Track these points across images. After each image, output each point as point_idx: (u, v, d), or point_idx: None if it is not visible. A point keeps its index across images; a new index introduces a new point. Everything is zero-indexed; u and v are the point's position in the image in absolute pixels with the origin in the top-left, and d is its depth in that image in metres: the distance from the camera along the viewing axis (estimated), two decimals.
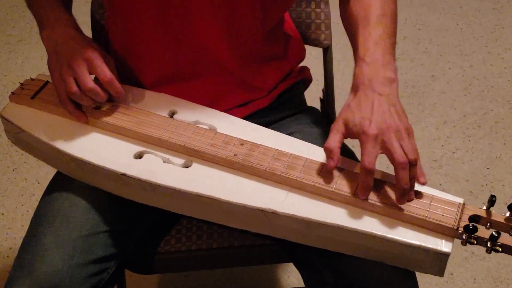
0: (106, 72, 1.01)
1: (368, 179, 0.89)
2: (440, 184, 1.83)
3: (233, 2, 1.04)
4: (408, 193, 0.89)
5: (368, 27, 1.01)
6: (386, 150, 0.89)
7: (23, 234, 1.04)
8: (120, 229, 1.05)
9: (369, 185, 0.90)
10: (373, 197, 0.91)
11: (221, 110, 1.09)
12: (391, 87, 0.95)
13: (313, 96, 1.48)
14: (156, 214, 1.11)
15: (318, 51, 1.35)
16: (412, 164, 0.89)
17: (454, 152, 1.93)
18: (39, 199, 1.09)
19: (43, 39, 1.07)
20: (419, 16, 2.44)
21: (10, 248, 1.75)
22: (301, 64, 1.25)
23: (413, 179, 0.90)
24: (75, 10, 1.15)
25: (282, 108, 1.19)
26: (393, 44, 1.01)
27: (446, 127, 2.01)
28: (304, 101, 1.25)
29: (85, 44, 1.03)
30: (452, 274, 1.63)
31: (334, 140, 0.93)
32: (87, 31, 1.26)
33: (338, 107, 1.51)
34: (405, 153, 0.88)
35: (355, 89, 0.96)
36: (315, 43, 1.32)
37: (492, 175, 1.86)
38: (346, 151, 1.09)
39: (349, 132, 0.93)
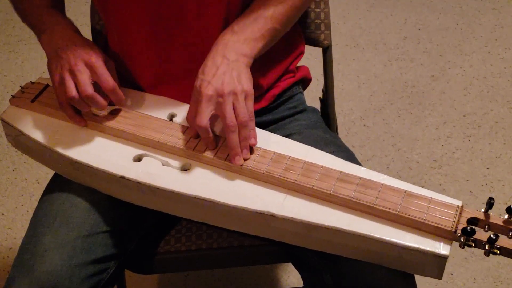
0: (109, 80, 1.00)
1: (204, 135, 0.97)
2: (440, 184, 1.83)
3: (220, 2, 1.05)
4: (242, 153, 0.96)
5: (260, 4, 1.03)
6: (219, 112, 0.96)
7: (23, 234, 1.04)
8: (120, 230, 1.06)
9: (209, 139, 0.97)
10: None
11: None
12: (241, 57, 0.99)
13: (313, 96, 1.48)
14: (156, 215, 1.11)
15: (318, 51, 1.35)
16: (243, 126, 0.95)
17: (454, 152, 1.93)
18: (39, 199, 1.09)
19: (43, 44, 1.07)
20: (419, 16, 2.44)
21: (10, 248, 1.75)
22: (301, 63, 1.25)
23: (244, 140, 0.96)
24: (75, 10, 1.15)
25: (281, 108, 1.19)
26: (274, 30, 1.03)
27: (446, 127, 2.01)
28: (304, 101, 1.25)
29: (87, 48, 1.03)
30: (452, 274, 1.63)
31: (190, 112, 1.00)
32: (87, 31, 1.27)
33: (338, 107, 1.51)
34: (236, 114, 0.95)
35: (211, 50, 1.00)
36: (315, 43, 1.32)
37: (492, 175, 1.86)
38: (346, 152, 1.09)
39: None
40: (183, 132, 1.02)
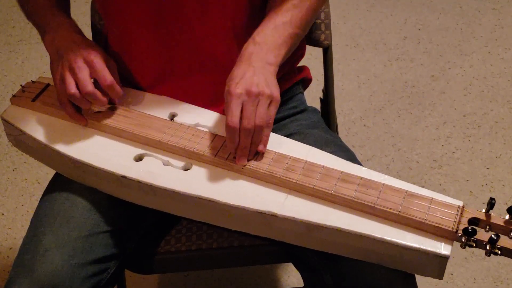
0: (106, 76, 1.01)
1: (233, 137, 0.95)
2: (440, 184, 1.83)
3: (225, 2, 1.05)
4: (248, 154, 0.97)
5: (277, 11, 1.03)
6: (241, 111, 0.95)
7: (23, 234, 1.04)
8: (120, 229, 1.06)
9: (235, 142, 0.96)
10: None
11: (220, 110, 1.09)
12: (267, 65, 0.99)
13: (313, 96, 1.48)
14: (156, 214, 1.11)
15: (318, 51, 1.35)
16: (258, 130, 0.95)
17: (454, 152, 1.93)
18: (39, 199, 1.09)
19: (46, 44, 1.07)
20: (419, 16, 2.44)
21: (10, 248, 1.75)
22: (301, 63, 1.25)
23: (254, 143, 0.96)
24: (75, 10, 1.16)
25: (282, 109, 1.19)
26: (294, 35, 1.03)
27: (446, 127, 2.01)
28: (304, 101, 1.25)
29: (88, 47, 1.03)
30: (452, 274, 1.63)
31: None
32: (87, 31, 1.27)
33: (338, 107, 1.51)
34: (256, 117, 0.94)
35: (236, 63, 1.00)
36: (315, 43, 1.32)
37: (492, 175, 1.86)
38: (347, 152, 1.09)
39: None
40: (184, 132, 1.02)
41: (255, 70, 0.97)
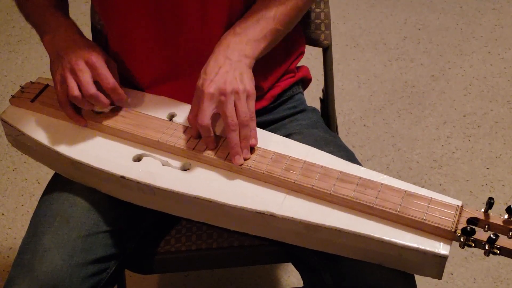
0: (109, 79, 1.01)
1: (206, 134, 0.97)
2: (440, 184, 1.83)
3: (224, 3, 1.05)
4: (242, 152, 0.97)
5: (262, 5, 1.04)
6: (221, 110, 0.96)
7: (23, 234, 1.04)
8: (120, 229, 1.06)
9: (210, 139, 0.98)
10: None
11: None
12: (243, 58, 0.99)
13: (313, 96, 1.48)
14: (156, 214, 1.11)
15: (318, 51, 1.35)
16: (243, 125, 0.96)
17: (454, 152, 1.93)
18: (39, 199, 1.09)
19: (46, 45, 1.07)
20: (419, 16, 2.44)
21: (10, 248, 1.75)
22: (301, 63, 1.25)
23: (245, 139, 0.97)
24: (75, 10, 1.16)
25: (281, 108, 1.20)
26: (276, 30, 1.04)
27: (446, 127, 2.01)
28: (304, 101, 1.25)
29: (88, 48, 1.03)
30: (452, 274, 1.63)
31: (192, 111, 1.00)
32: (87, 31, 1.27)
33: (338, 107, 1.51)
34: (238, 114, 0.95)
35: (213, 51, 1.01)
36: (315, 43, 1.32)
37: (492, 175, 1.86)
38: (346, 152, 1.09)
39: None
40: (183, 132, 1.02)
41: (231, 64, 0.98)
